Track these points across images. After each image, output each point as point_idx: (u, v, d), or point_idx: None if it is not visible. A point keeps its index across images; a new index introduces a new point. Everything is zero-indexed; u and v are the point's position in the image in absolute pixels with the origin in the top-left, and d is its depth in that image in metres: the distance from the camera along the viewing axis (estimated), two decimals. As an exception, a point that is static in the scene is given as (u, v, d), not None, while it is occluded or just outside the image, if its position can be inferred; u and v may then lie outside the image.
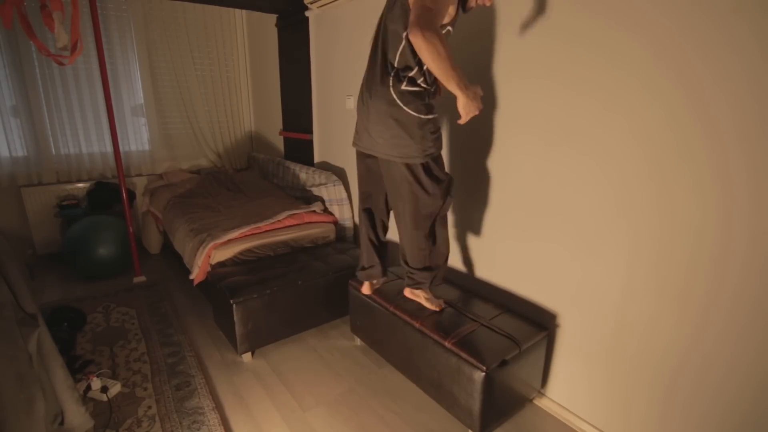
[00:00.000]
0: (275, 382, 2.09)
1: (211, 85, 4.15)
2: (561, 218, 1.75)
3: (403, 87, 1.55)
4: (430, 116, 1.59)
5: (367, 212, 1.98)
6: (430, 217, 1.76)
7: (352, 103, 2.86)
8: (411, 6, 1.38)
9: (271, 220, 2.73)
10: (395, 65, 1.56)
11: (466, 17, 1.96)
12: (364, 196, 1.96)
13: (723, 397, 1.37)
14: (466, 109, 1.45)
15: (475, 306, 1.96)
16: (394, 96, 1.55)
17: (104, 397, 1.89)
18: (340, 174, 3.15)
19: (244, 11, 4.14)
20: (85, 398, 1.87)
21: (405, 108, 1.55)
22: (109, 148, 3.65)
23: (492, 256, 2.11)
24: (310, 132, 3.46)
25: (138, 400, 1.92)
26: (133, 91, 3.80)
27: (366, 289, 2.12)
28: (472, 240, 2.19)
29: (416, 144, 1.59)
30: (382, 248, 2.06)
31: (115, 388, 1.95)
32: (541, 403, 1.95)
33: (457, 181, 2.20)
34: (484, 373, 1.56)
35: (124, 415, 1.83)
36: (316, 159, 3.47)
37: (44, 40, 3.09)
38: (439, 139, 1.65)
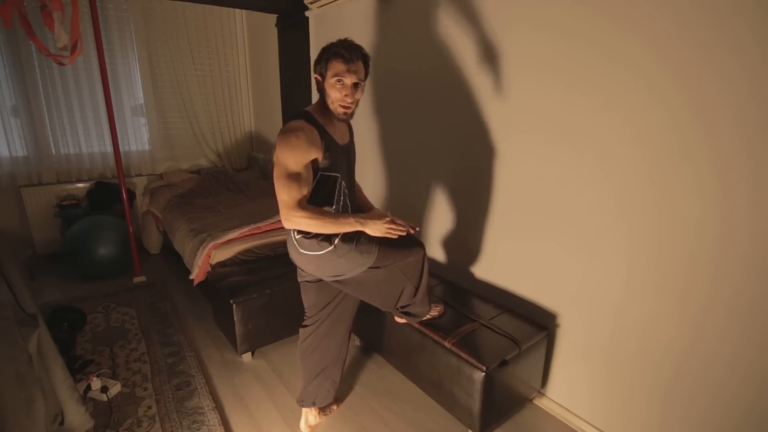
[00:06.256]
0: (275, 382, 2.08)
1: (211, 85, 4.15)
2: (561, 218, 1.75)
3: (297, 236, 1.46)
4: (331, 246, 1.43)
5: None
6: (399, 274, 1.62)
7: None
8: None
9: (271, 220, 2.73)
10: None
11: (469, 15, 1.96)
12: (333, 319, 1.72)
13: (723, 396, 1.37)
14: (376, 233, 1.38)
15: (475, 306, 1.96)
16: (295, 243, 1.48)
17: (104, 397, 1.89)
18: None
19: (244, 11, 4.14)
20: (85, 398, 1.87)
21: (307, 253, 1.47)
22: (109, 148, 3.65)
23: (492, 255, 2.11)
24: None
25: (138, 400, 1.92)
26: (133, 91, 3.80)
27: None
28: (472, 240, 2.19)
29: (347, 264, 1.48)
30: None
31: (115, 388, 1.95)
32: (541, 403, 1.95)
33: (456, 180, 2.20)
34: (484, 373, 1.56)
35: (124, 415, 1.83)
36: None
37: (44, 40, 3.08)
38: (362, 252, 1.47)
